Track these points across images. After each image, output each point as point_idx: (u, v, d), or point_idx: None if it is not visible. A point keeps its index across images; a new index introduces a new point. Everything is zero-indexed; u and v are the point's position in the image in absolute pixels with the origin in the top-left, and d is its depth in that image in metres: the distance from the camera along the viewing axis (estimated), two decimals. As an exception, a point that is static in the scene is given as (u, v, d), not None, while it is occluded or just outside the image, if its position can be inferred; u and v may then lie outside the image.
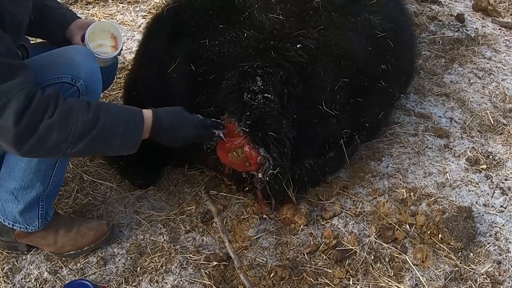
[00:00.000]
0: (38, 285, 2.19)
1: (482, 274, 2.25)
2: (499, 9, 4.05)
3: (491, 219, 2.47)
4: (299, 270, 2.25)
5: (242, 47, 2.29)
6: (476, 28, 3.79)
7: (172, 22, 2.46)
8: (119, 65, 3.23)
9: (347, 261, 2.29)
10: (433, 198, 2.52)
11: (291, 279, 2.22)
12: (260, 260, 2.30)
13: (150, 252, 2.31)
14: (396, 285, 2.20)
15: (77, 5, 3.83)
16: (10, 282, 2.19)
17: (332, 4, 2.45)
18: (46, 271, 2.24)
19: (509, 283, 2.23)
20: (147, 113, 1.95)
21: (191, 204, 2.51)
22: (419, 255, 2.29)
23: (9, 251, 2.28)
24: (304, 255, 2.31)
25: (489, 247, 2.35)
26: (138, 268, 2.25)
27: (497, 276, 2.25)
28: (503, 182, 2.64)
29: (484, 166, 2.71)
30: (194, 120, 2.05)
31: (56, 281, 2.20)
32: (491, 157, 2.77)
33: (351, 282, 2.21)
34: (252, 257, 2.31)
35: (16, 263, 2.26)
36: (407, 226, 2.40)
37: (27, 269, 2.24)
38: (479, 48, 3.59)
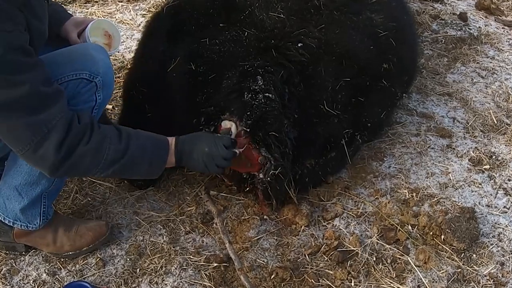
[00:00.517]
0: (36, 287, 2.19)
1: (485, 276, 2.25)
2: (502, 8, 4.05)
3: (494, 219, 2.47)
4: (300, 272, 2.25)
5: (242, 46, 2.30)
6: (479, 27, 3.79)
7: (172, 21, 2.46)
8: (118, 64, 3.25)
9: (348, 263, 2.29)
10: (435, 199, 2.52)
11: (292, 280, 2.22)
12: (261, 261, 2.30)
13: (149, 253, 2.31)
14: (398, 287, 2.20)
15: (75, 4, 3.83)
16: (8, 284, 2.19)
17: (334, 2, 2.45)
18: (45, 272, 2.24)
19: (512, 284, 2.24)
20: (171, 140, 2.06)
21: (191, 205, 2.51)
22: (421, 256, 2.29)
23: (7, 252, 2.29)
24: (305, 256, 2.31)
25: (492, 248, 2.35)
26: (138, 270, 2.25)
27: (500, 277, 2.25)
28: (506, 183, 2.64)
29: (487, 166, 2.71)
30: (211, 137, 2.10)
31: (54, 283, 2.20)
32: (494, 157, 2.77)
33: (352, 284, 2.21)
34: (253, 258, 2.31)
35: (14, 264, 2.26)
36: (409, 227, 2.40)
37: (25, 270, 2.25)
38: (482, 47, 3.59)
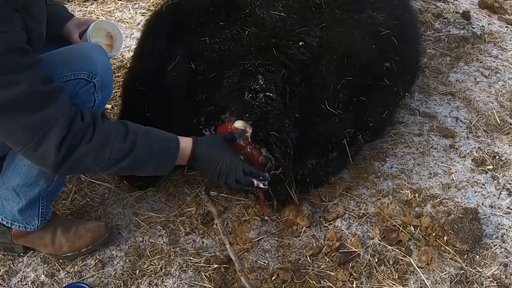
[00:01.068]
0: (34, 288, 2.19)
1: (489, 277, 2.25)
2: (505, 6, 4.05)
3: (497, 220, 2.47)
4: (301, 273, 2.25)
5: (243, 45, 2.30)
6: (482, 25, 3.79)
7: (172, 20, 2.46)
8: (117, 63, 3.25)
9: (350, 264, 2.28)
10: (438, 199, 2.52)
11: (293, 282, 2.21)
12: (262, 263, 2.30)
13: (149, 254, 2.31)
14: (400, 288, 2.21)
15: (74, 2, 3.83)
16: (6, 285, 2.19)
17: (335, 1, 2.45)
18: (43, 273, 2.24)
19: (516, 286, 2.23)
20: (187, 142, 2.04)
21: (191, 206, 2.51)
22: (424, 258, 2.29)
23: (5, 253, 2.29)
24: (307, 258, 2.31)
25: (495, 249, 2.35)
26: (137, 271, 2.25)
27: (504, 279, 2.25)
28: (510, 183, 2.64)
29: (491, 167, 2.71)
30: (235, 158, 2.09)
31: (53, 284, 2.20)
32: (497, 157, 2.77)
33: (354, 285, 2.21)
34: (254, 259, 2.31)
35: (12, 266, 2.26)
36: (412, 228, 2.40)
37: (23, 271, 2.25)
38: (485, 46, 3.59)
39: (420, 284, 2.22)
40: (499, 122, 2.98)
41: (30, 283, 2.21)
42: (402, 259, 2.30)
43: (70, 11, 2.40)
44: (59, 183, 2.21)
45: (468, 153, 2.79)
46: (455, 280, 2.23)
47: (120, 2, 3.88)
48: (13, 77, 1.67)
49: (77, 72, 1.94)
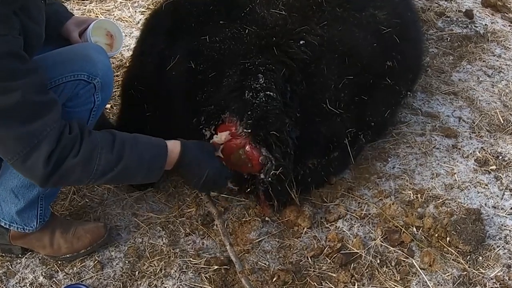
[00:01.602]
0: (33, 290, 2.19)
1: (492, 279, 2.25)
2: (509, 5, 4.04)
3: (500, 221, 2.47)
4: (302, 274, 2.25)
5: (243, 44, 2.29)
6: (485, 24, 3.79)
7: (171, 18, 2.46)
8: (117, 63, 3.25)
9: (352, 265, 2.28)
10: (441, 200, 2.52)
11: (294, 283, 2.22)
12: (262, 264, 2.30)
13: (148, 255, 2.31)
14: (402, 290, 2.20)
15: (73, 1, 3.83)
16: (4, 287, 2.19)
17: (336, -1, 2.45)
18: (42, 275, 2.24)
19: (519, 287, 2.23)
20: (175, 146, 2.03)
21: (191, 206, 2.51)
22: (426, 259, 2.29)
23: (3, 254, 2.29)
24: (308, 259, 2.31)
25: (498, 250, 2.35)
26: (137, 272, 2.25)
27: (507, 280, 2.25)
28: (513, 183, 2.65)
29: (494, 167, 2.71)
30: (218, 166, 2.14)
31: (51, 286, 2.21)
32: (500, 157, 2.77)
33: (356, 287, 2.21)
34: (254, 260, 2.31)
35: (10, 267, 2.26)
36: (414, 229, 2.40)
37: (21, 273, 2.25)
38: (489, 45, 3.59)
39: (423, 285, 2.22)
40: (502, 122, 2.98)
41: (28, 284, 2.21)
42: (404, 260, 2.30)
43: (69, 10, 2.40)
44: (58, 184, 2.21)
45: (471, 153, 2.79)
46: (458, 282, 2.23)
47: (119, 0, 3.89)
48: (7, 84, 1.65)
49: (77, 73, 1.94)
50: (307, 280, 2.23)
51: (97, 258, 2.30)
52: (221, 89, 2.22)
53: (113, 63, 3.25)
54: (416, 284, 2.22)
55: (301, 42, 2.27)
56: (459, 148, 2.82)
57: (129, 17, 3.73)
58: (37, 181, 1.81)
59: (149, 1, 3.86)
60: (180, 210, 2.49)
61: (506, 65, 3.42)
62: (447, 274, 2.25)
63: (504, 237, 2.40)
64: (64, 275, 2.24)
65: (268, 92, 2.13)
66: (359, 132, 2.48)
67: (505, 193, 2.59)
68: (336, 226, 2.44)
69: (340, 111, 2.32)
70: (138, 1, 3.89)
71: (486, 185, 2.63)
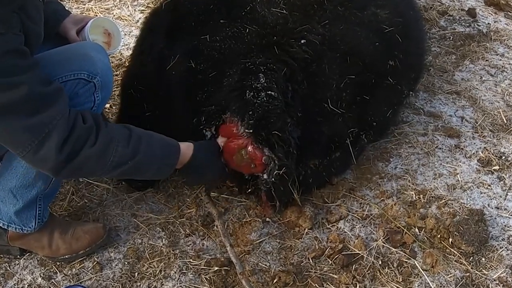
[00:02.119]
0: (31, 291, 2.20)
1: (495, 280, 2.25)
2: (512, 4, 4.05)
3: (504, 222, 2.47)
4: (303, 276, 2.26)
5: (244, 43, 2.30)
6: (488, 23, 3.79)
7: (171, 17, 2.46)
8: (116, 62, 3.25)
9: (353, 266, 2.29)
10: (443, 201, 2.52)
11: (295, 285, 2.22)
12: (263, 265, 2.30)
13: (148, 256, 2.31)
14: (405, 291, 2.21)
15: (71, 0, 3.83)
16: (2, 288, 2.20)
17: (338, -3, 2.45)
18: (40, 276, 2.24)
19: (523, 289, 2.23)
20: (188, 149, 2.10)
21: (191, 207, 2.52)
22: (428, 260, 2.29)
23: (1, 256, 2.29)
24: (309, 260, 2.31)
25: (501, 251, 2.35)
26: (136, 274, 2.26)
27: (510, 282, 2.25)
28: (516, 184, 2.65)
29: (497, 167, 2.71)
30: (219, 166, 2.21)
31: (50, 287, 2.21)
32: (503, 157, 2.77)
33: (358, 288, 2.22)
34: (255, 262, 2.31)
35: (8, 268, 2.27)
36: (416, 230, 2.40)
37: (20, 274, 2.25)
38: (491, 44, 3.59)
39: (425, 287, 2.22)
40: (505, 121, 2.98)
41: (26, 286, 2.21)
42: (406, 262, 2.30)
43: (67, 9, 2.40)
44: (57, 184, 2.22)
45: (473, 153, 2.79)
46: (460, 283, 2.23)
47: (118, -1, 3.89)
48: (12, 79, 1.67)
49: (77, 72, 1.94)
50: (308, 281, 2.23)
51: (96, 259, 2.30)
52: (222, 88, 2.22)
53: (113, 62, 3.25)
54: (418, 285, 2.23)
55: (302, 41, 2.27)
56: (462, 148, 2.82)
57: (129, 15, 3.73)
58: (50, 171, 1.82)
59: (149, 0, 3.86)
60: (180, 211, 2.49)
61: (509, 64, 3.42)
62: (449, 276, 2.25)
63: (508, 238, 2.40)
64: (63, 276, 2.25)
65: (269, 92, 2.13)
66: (361, 132, 2.48)
67: (508, 193, 2.60)
68: (337, 227, 2.44)
69: (342, 110, 2.32)
70: (137, 0, 3.89)
71: (489, 185, 2.63)
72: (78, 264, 2.28)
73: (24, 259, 2.30)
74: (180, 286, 2.22)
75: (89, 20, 2.29)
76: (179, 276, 2.25)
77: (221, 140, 2.22)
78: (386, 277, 2.25)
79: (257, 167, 2.19)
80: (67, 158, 1.78)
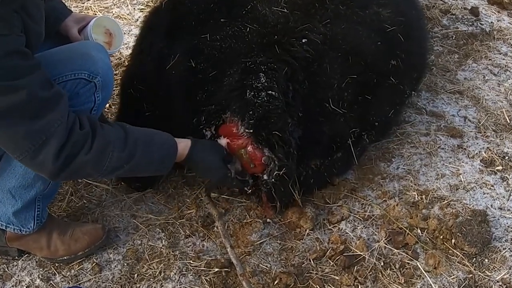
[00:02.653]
0: (30, 293, 2.20)
1: (498, 281, 2.25)
2: (515, 2, 4.05)
3: (507, 223, 2.47)
4: (304, 277, 2.26)
5: (244, 42, 2.30)
6: (491, 22, 3.79)
7: (171, 16, 2.46)
8: (115, 61, 3.25)
9: (355, 268, 2.29)
10: (446, 201, 2.52)
11: (296, 286, 2.22)
12: (264, 267, 2.30)
13: (147, 258, 2.32)
14: (407, 293, 2.21)
15: (71, -2, 3.84)
16: (0, 289, 2.20)
17: (339, -4, 2.46)
18: (39, 278, 2.24)
19: (526, 290, 2.23)
20: (184, 145, 2.12)
21: (191, 208, 2.52)
22: (431, 261, 2.29)
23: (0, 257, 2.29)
24: (310, 261, 2.31)
25: (505, 252, 2.35)
26: (135, 275, 2.26)
27: (514, 283, 2.25)
28: (519, 184, 2.65)
29: (500, 168, 2.71)
30: (220, 172, 2.22)
31: (49, 288, 2.21)
32: (507, 158, 2.77)
33: (359, 290, 2.22)
34: (255, 263, 2.31)
35: (6, 270, 2.27)
36: (419, 231, 2.40)
37: (18, 275, 2.25)
38: (495, 43, 3.59)
39: (427, 288, 2.23)
40: (508, 121, 2.98)
41: (25, 287, 2.21)
42: (408, 263, 2.30)
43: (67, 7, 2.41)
44: (56, 185, 2.22)
45: (476, 153, 2.79)
46: (463, 285, 2.23)
47: (117, -3, 3.89)
48: (14, 82, 1.67)
49: (78, 71, 1.94)
50: (309, 283, 2.23)
51: (95, 260, 2.30)
52: (222, 88, 2.22)
53: (112, 62, 3.24)
54: (421, 287, 2.23)
55: (303, 41, 2.27)
56: (465, 148, 2.82)
57: (128, 14, 3.73)
58: (47, 175, 1.85)
59: (148, -2, 3.87)
60: (180, 212, 2.49)
61: (513, 63, 3.42)
62: (452, 277, 2.25)
63: (511, 239, 2.41)
64: (62, 277, 2.25)
65: (269, 92, 2.13)
66: (362, 132, 2.48)
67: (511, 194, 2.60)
68: (339, 227, 2.44)
69: (343, 110, 2.32)
70: (137, -2, 3.90)
71: (492, 186, 2.63)
72: (77, 265, 2.28)
73: (22, 260, 2.30)
74: (180, 287, 2.22)
75: (90, 19, 2.29)
76: (179, 277, 2.25)
77: (224, 142, 2.23)
78: (388, 278, 2.25)
79: (257, 167, 2.20)
80: (63, 164, 1.80)
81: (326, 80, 2.29)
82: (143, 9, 3.76)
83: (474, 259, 2.32)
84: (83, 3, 3.81)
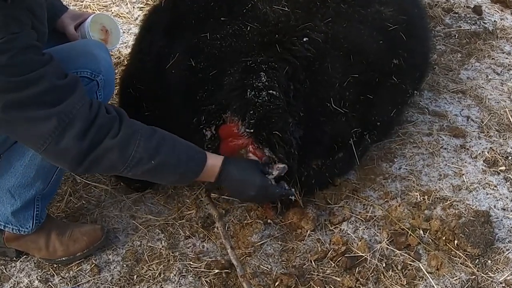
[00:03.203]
0: (28, 294, 2.20)
1: (501, 283, 2.25)
2: (519, 1, 4.05)
3: (510, 224, 2.47)
4: (306, 279, 2.26)
5: (245, 41, 2.30)
6: (495, 20, 3.79)
7: (171, 15, 2.46)
8: (114, 60, 3.25)
9: (357, 269, 2.29)
10: (448, 202, 2.52)
11: (297, 287, 2.22)
12: (265, 268, 2.30)
13: (147, 259, 2.32)
14: (409, 294, 2.21)
15: (69, -4, 3.85)
16: (-2, 291, 2.20)
17: (341, -5, 2.46)
18: (37, 279, 2.24)
19: (529, 292, 2.23)
20: (217, 160, 2.06)
21: (191, 208, 2.52)
22: (433, 263, 2.29)
23: (-2, 258, 2.30)
24: (311, 263, 2.31)
25: (508, 254, 2.35)
26: (135, 276, 2.26)
27: (517, 284, 2.26)
28: (523, 185, 2.65)
29: (503, 168, 2.71)
30: (260, 181, 2.12)
31: (47, 290, 2.21)
32: (510, 158, 2.77)
33: (361, 291, 2.22)
34: (256, 264, 2.31)
35: (4, 271, 2.27)
36: (421, 232, 2.40)
37: (16, 277, 2.25)
38: (498, 42, 3.59)
39: (430, 290, 2.23)
40: (511, 121, 2.98)
41: (23, 288, 2.22)
42: (410, 264, 2.30)
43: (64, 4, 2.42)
44: (55, 185, 2.22)
45: (479, 153, 2.79)
46: (466, 286, 2.23)
47: (117, -4, 3.90)
48: (30, 75, 1.69)
49: (80, 70, 1.96)
50: (310, 284, 2.23)
51: (94, 261, 2.30)
52: (222, 87, 2.23)
53: (111, 61, 3.25)
54: (423, 288, 2.23)
55: (304, 39, 2.27)
56: (467, 148, 2.82)
57: (127, 13, 3.73)
58: (71, 162, 1.80)
59: (148, -3, 3.87)
60: (180, 212, 2.50)
61: (516, 62, 3.42)
62: (455, 278, 2.25)
63: (514, 240, 2.41)
64: (60, 279, 2.25)
65: (270, 91, 2.14)
66: (364, 132, 2.48)
67: (515, 194, 2.60)
68: (340, 228, 2.44)
69: (345, 110, 2.32)
70: (136, -3, 3.90)
71: (495, 186, 2.63)
72: (76, 267, 2.29)
73: (20, 261, 2.30)
74: (180, 289, 2.22)
75: (87, 16, 2.30)
76: (179, 278, 2.26)
77: (253, 157, 2.21)
78: (390, 279, 2.25)
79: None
80: (89, 148, 1.78)
81: (327, 80, 2.29)
82: (142, 7, 3.77)
83: (477, 260, 2.32)
84: (82, 2, 3.81)
